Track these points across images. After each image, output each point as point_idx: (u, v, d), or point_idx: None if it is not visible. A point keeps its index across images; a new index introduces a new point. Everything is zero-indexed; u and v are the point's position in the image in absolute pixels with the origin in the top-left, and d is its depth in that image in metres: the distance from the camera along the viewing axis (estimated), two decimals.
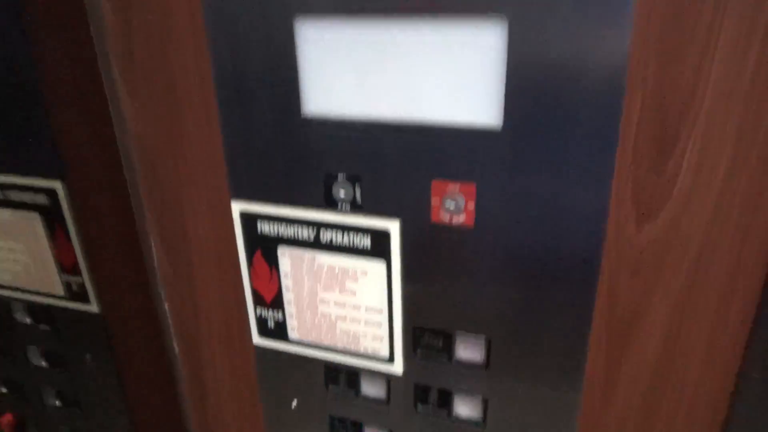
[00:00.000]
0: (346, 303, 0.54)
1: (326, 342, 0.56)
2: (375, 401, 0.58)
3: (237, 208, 0.53)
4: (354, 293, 0.53)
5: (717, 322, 0.45)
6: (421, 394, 0.55)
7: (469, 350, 0.51)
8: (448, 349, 0.52)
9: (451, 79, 0.41)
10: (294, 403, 0.62)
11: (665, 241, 0.43)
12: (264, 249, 0.54)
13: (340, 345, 0.56)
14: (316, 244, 0.52)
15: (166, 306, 0.64)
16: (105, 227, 0.63)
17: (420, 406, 0.56)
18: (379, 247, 0.49)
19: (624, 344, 0.48)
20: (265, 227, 0.53)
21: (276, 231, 0.53)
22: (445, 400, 0.55)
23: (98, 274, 0.65)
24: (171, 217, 0.59)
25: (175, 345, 0.67)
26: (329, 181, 0.49)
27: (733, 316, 0.45)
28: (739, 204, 0.41)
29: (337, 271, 0.52)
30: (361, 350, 0.55)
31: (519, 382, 0.51)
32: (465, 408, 0.54)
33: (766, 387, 0.47)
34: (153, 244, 0.61)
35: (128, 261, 0.64)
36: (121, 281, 0.66)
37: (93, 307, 0.66)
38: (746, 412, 0.48)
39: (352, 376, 0.58)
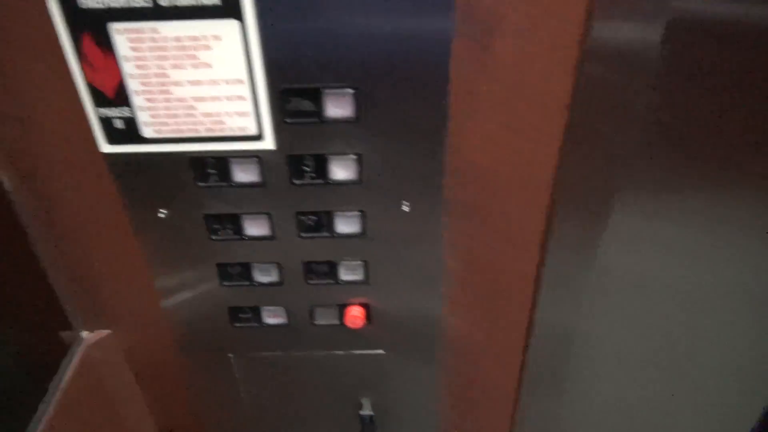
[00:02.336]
0: (201, 80, 0.50)
1: (187, 131, 0.53)
2: (250, 186, 0.57)
3: None
4: (210, 65, 0.49)
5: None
6: (295, 165, 0.55)
7: (338, 107, 0.52)
8: (318, 108, 0.51)
9: None
10: (162, 213, 0.59)
11: None
12: (93, 31, 0.47)
13: (203, 131, 0.53)
14: (156, 12, 0.46)
15: None
16: None
17: (297, 180, 0.56)
18: (229, 2, 0.46)
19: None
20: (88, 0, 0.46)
21: (103, 2, 0.46)
22: (321, 166, 0.55)
23: None
24: None
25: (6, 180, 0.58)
26: None
27: None
28: None
29: (185, 42, 0.48)
30: (228, 132, 0.53)
31: (389, 137, 0.53)
32: (342, 171, 0.56)
33: None
34: None
35: None
36: None
37: None
38: None
39: (222, 165, 0.56)
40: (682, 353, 0.80)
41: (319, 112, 0.52)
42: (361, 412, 0.77)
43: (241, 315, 0.68)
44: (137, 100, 0.51)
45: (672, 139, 0.57)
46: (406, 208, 0.58)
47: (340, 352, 0.71)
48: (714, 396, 0.86)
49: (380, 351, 0.71)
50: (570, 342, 0.73)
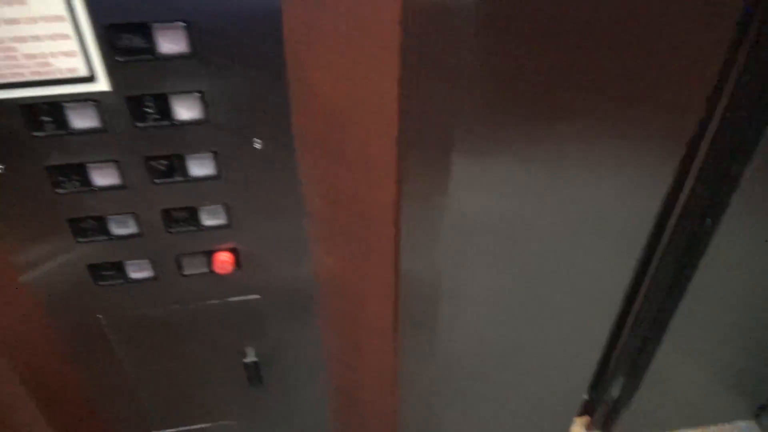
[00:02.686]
0: (18, 18, 0.47)
1: (10, 76, 0.50)
2: (91, 132, 0.55)
3: None
4: (23, 2, 0.47)
5: None
6: (136, 106, 0.54)
7: (172, 42, 0.51)
8: (150, 44, 0.50)
9: None
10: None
11: None
12: None
13: (28, 74, 0.50)
14: None
15: None
16: None
17: (140, 123, 0.55)
18: None
19: None
20: None
21: None
22: (164, 107, 0.55)
23: None
24: None
25: None
26: None
27: None
28: None
29: None
30: (56, 74, 0.51)
31: (229, 71, 0.53)
32: (186, 110, 0.55)
33: None
34: None
35: None
36: None
37: None
38: None
39: (57, 111, 0.53)
40: (535, 285, 0.87)
41: (151, 48, 0.51)
42: (245, 360, 0.78)
43: (103, 272, 0.66)
44: None
45: (500, 84, 0.61)
46: (258, 146, 0.59)
47: (216, 301, 0.72)
48: (567, 325, 0.95)
49: (256, 296, 0.72)
50: (436, 280, 0.78)
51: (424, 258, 0.74)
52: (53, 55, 0.50)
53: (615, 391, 1.27)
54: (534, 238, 0.80)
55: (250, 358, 0.78)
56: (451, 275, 0.80)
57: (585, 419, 1.39)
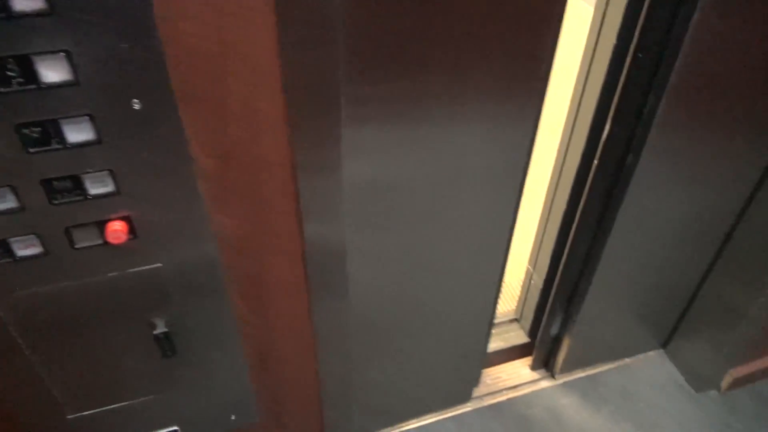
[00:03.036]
0: None
1: None
2: None
3: None
4: None
5: None
6: None
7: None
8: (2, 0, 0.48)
9: None
10: None
11: None
12: None
13: None
14: None
15: None
16: None
17: (3, 87, 0.52)
18: None
19: None
20: None
21: None
22: (28, 70, 0.52)
23: None
24: None
25: None
26: None
27: None
28: None
29: None
30: None
31: (91, 28, 0.51)
32: (53, 72, 0.53)
33: None
34: None
35: None
36: None
37: None
38: None
39: None
40: (429, 237, 0.90)
41: (4, 5, 0.48)
42: (155, 332, 0.77)
43: None
44: None
45: (367, 33, 0.62)
46: (136, 106, 0.57)
47: (115, 274, 0.70)
48: (462, 271, 0.99)
49: (157, 264, 0.71)
50: (340, 236, 0.79)
51: (326, 214, 0.75)
52: None
53: (554, 329, 1.37)
54: (422, 190, 0.83)
55: (160, 329, 0.77)
56: (354, 230, 0.82)
57: (528, 359, 1.49)
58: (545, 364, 1.47)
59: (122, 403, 0.85)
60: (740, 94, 0.93)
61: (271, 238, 0.74)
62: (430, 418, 1.33)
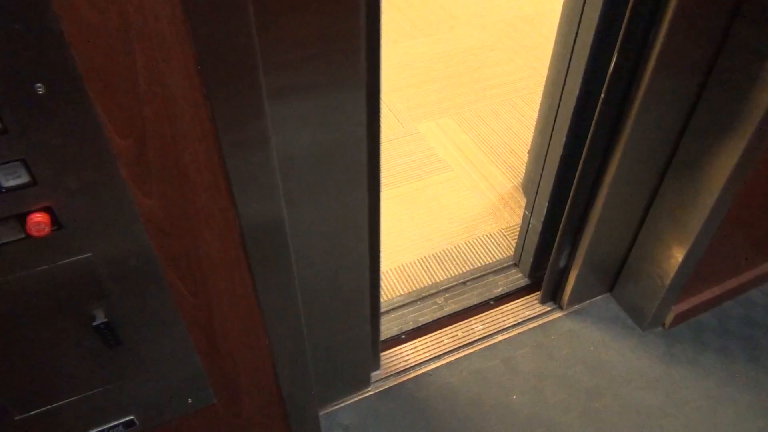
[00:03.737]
0: None
1: None
2: None
3: None
4: None
5: None
6: None
7: None
8: None
9: None
10: None
11: None
12: None
13: None
14: None
15: None
16: None
17: None
18: None
19: None
20: None
21: None
22: None
23: None
24: None
25: None
26: None
27: None
28: None
29: None
30: None
31: None
32: None
33: None
34: None
35: None
36: None
37: None
38: None
39: None
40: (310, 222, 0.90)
41: None
42: (95, 323, 0.75)
43: None
44: None
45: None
46: (41, 90, 0.55)
47: (45, 267, 0.68)
48: (333, 265, 0.98)
49: (88, 254, 0.69)
50: (274, 211, 0.78)
51: (260, 188, 0.74)
52: None
53: (562, 262, 1.46)
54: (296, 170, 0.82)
55: (100, 320, 0.76)
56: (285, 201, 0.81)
57: (537, 294, 1.58)
58: (553, 296, 1.58)
59: (72, 398, 0.84)
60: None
61: (203, 216, 0.73)
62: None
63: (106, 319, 0.76)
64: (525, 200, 1.51)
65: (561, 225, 1.36)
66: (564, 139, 1.22)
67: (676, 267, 1.33)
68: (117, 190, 0.65)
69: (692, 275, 1.39)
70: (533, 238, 1.50)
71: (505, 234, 1.75)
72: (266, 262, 0.82)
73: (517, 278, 1.62)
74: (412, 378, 1.40)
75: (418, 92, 2.29)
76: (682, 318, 1.53)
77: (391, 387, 1.38)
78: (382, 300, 1.55)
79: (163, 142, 0.63)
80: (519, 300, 1.58)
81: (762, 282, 1.65)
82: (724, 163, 1.12)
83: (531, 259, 1.56)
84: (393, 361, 1.44)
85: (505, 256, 1.68)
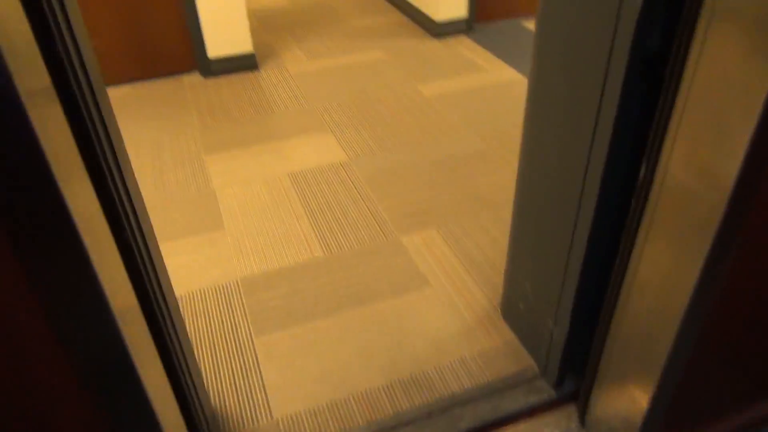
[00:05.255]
0: None
1: None
2: None
3: None
4: None
5: None
6: None
7: None
8: None
9: None
10: None
11: None
12: None
13: None
14: None
15: None
16: None
17: None
18: None
19: None
20: None
21: None
22: None
23: None
24: None
25: None
26: None
27: None
28: None
29: None
30: None
31: None
32: None
33: None
34: None
35: None
36: None
37: None
38: None
39: None
40: None
41: None
42: None
43: None
44: None
45: None
46: None
47: None
48: None
49: None
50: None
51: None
52: None
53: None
54: None
55: None
56: None
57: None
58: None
59: None
60: None
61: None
62: None
63: None
64: (502, 321, 1.43)
65: None
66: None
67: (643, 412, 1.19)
68: None
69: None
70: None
71: (477, 360, 1.64)
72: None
73: (486, 410, 1.50)
74: None
75: (405, 201, 2.27)
76: None
77: None
78: None
79: None
80: None
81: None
82: None
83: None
84: None
85: (474, 384, 1.57)
